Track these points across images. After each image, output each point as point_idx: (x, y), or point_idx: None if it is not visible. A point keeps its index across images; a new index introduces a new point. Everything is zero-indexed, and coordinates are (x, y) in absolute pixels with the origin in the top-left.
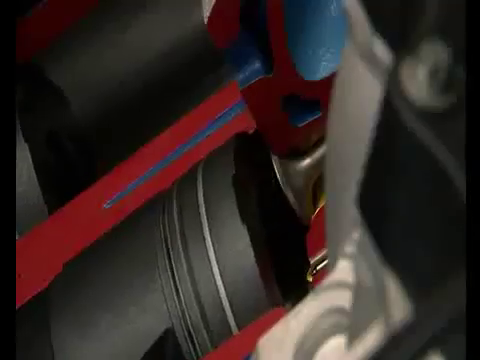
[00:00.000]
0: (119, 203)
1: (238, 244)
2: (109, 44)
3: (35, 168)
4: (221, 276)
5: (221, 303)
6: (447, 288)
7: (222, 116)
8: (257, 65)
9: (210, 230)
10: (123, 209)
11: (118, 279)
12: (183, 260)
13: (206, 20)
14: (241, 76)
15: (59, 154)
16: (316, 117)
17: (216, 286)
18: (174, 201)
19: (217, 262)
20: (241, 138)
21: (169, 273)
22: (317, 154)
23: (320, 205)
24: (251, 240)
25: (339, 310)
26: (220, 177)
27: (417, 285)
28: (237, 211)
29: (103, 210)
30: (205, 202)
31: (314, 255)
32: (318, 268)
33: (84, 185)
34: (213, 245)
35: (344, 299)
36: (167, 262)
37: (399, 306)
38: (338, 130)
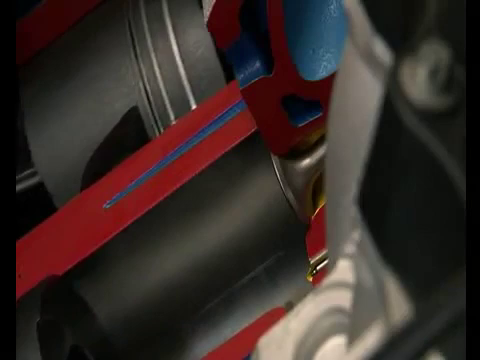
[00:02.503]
0: (119, 203)
1: None
2: None
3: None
4: None
5: None
6: (447, 288)
7: (222, 116)
8: (257, 65)
9: None
10: (123, 209)
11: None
12: None
13: (206, 20)
14: (241, 76)
15: None
16: (316, 117)
17: None
18: None
19: None
20: (51, 280)
21: None
22: (317, 154)
23: (320, 205)
24: None
25: (339, 310)
26: (26, 323)
27: (417, 285)
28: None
29: (103, 210)
30: None
31: (314, 255)
32: (318, 268)
33: None
34: None
35: (344, 299)
36: None
37: (399, 306)
38: (338, 130)
